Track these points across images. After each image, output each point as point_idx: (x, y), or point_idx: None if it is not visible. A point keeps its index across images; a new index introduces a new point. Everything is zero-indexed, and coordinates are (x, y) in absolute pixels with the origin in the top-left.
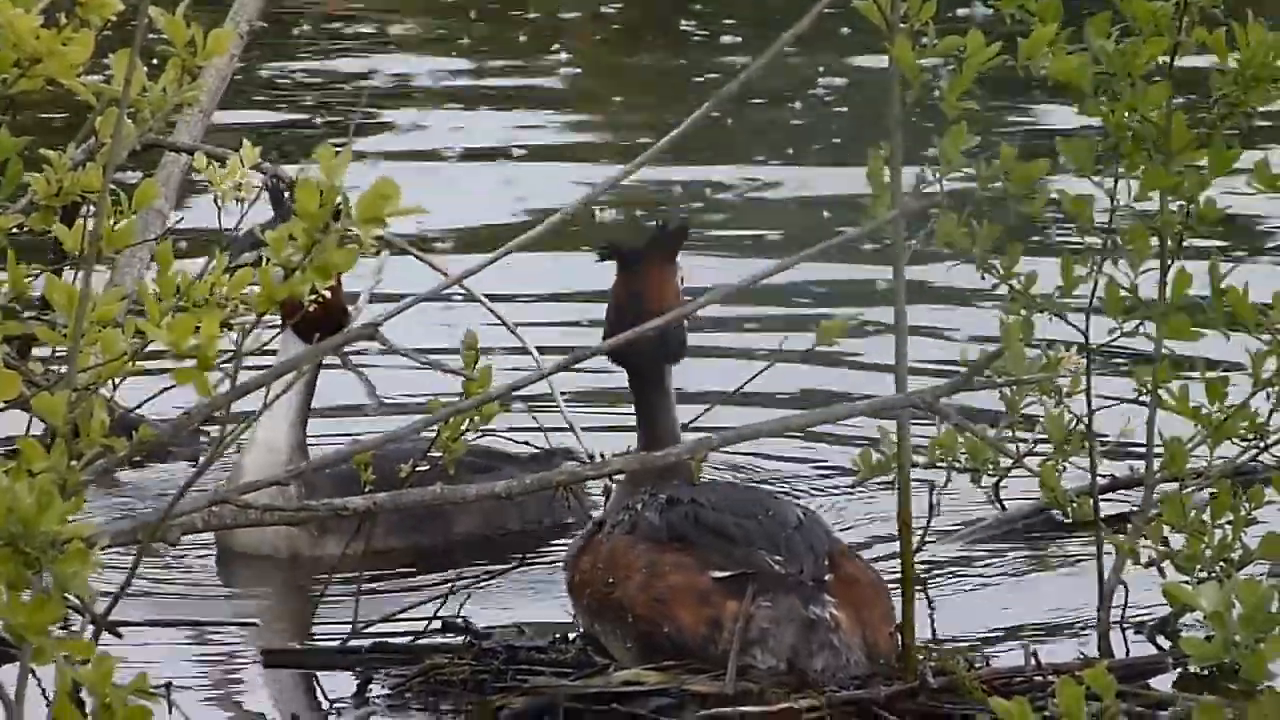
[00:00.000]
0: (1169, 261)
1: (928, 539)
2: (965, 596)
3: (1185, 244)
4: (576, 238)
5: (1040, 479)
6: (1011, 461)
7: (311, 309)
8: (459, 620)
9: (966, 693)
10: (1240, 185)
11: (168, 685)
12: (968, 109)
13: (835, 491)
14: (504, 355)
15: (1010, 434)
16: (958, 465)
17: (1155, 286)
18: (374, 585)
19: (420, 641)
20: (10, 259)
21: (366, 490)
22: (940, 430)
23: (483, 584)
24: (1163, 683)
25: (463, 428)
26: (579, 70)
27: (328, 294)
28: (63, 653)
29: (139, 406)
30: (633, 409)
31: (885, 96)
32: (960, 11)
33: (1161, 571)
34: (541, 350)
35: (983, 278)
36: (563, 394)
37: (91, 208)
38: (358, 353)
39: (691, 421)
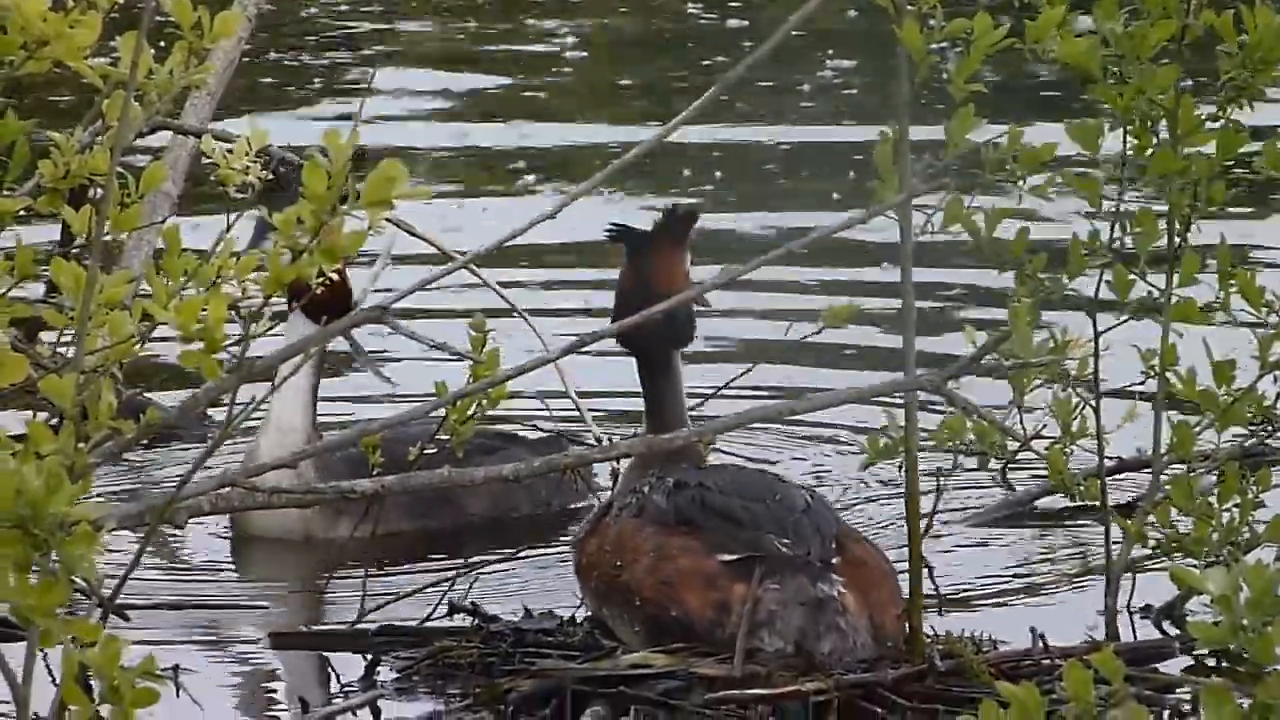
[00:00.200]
0: (1178, 244)
1: (935, 522)
2: (972, 579)
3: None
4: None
5: (1047, 462)
6: (1019, 445)
7: (319, 291)
8: (467, 603)
9: (974, 676)
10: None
11: (175, 668)
12: (976, 90)
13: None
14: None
15: (1018, 417)
16: (965, 449)
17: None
18: (382, 568)
19: (428, 624)
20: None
21: (375, 473)
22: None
23: (491, 568)
24: (1171, 666)
25: (469, 411)
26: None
27: (335, 276)
28: (70, 635)
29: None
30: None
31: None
32: None
33: (1168, 555)
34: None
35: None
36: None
37: (98, 191)
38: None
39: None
